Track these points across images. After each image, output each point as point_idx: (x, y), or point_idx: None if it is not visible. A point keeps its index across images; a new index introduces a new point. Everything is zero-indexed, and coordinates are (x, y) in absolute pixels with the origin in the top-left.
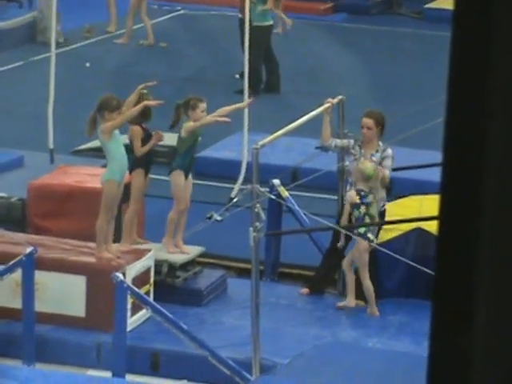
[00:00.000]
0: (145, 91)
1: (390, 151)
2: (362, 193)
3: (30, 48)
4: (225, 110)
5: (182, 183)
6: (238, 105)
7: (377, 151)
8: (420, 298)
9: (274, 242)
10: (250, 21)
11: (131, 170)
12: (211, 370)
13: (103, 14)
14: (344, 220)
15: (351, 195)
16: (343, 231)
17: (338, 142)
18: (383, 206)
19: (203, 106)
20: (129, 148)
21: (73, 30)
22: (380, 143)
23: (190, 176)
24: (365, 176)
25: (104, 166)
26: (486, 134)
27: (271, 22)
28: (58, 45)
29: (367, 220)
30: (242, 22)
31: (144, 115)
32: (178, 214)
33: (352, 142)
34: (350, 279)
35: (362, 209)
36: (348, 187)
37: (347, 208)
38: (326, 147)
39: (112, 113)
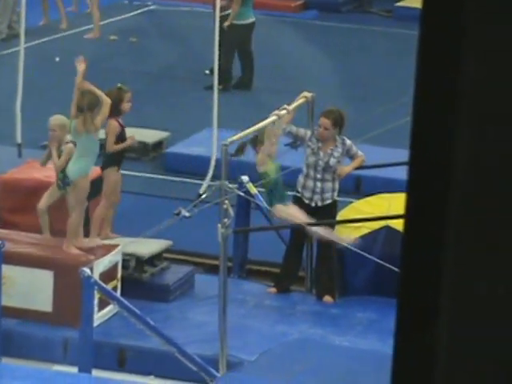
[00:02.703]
0: (119, 85)
1: (348, 141)
2: None
3: None
4: None
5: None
6: None
7: (336, 146)
8: (388, 296)
9: (242, 239)
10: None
11: (104, 166)
12: (178, 366)
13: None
14: None
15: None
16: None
17: (294, 129)
18: (332, 197)
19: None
20: (103, 143)
21: (37, 26)
22: (337, 137)
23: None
24: (263, 175)
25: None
26: (453, 134)
27: (253, 19)
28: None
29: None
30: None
31: (120, 110)
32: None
33: (309, 133)
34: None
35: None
36: (302, 179)
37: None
38: (285, 134)
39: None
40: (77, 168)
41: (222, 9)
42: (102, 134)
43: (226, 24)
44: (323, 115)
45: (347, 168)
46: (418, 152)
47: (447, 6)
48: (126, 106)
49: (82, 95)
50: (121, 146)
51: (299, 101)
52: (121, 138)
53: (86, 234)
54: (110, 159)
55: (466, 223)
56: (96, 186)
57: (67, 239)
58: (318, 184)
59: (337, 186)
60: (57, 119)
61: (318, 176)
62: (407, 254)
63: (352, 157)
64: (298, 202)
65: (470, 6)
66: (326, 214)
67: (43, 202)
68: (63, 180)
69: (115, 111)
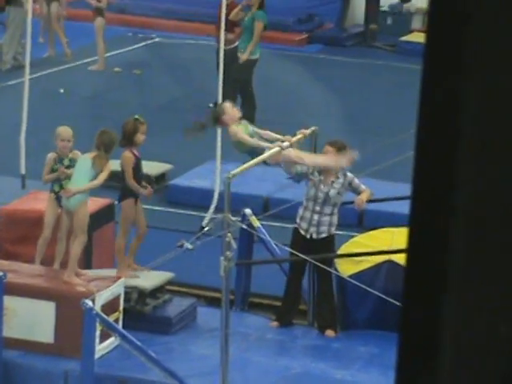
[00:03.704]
0: (136, 116)
1: (349, 174)
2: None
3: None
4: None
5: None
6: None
7: (337, 177)
8: (390, 331)
9: (244, 272)
10: (235, 53)
11: (122, 198)
12: None
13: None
14: None
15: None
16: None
17: (299, 168)
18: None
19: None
20: (120, 176)
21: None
22: (339, 170)
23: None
24: (238, 144)
25: None
26: (455, 170)
27: (257, 56)
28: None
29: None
30: (218, 51)
31: (134, 141)
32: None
33: (311, 168)
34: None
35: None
36: (301, 211)
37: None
38: (289, 174)
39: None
40: (77, 195)
41: (228, 42)
42: (116, 165)
43: (244, 57)
44: (328, 143)
45: (364, 196)
46: (420, 186)
47: (450, 42)
48: (140, 137)
49: (100, 134)
50: (137, 188)
51: (297, 136)
52: (137, 169)
53: (88, 265)
54: (127, 191)
55: (469, 258)
56: (101, 216)
57: (69, 268)
58: (315, 216)
59: (335, 221)
60: (69, 129)
61: (317, 208)
62: (409, 288)
63: (355, 189)
64: (295, 233)
65: (472, 43)
66: (321, 247)
67: (46, 228)
68: (52, 187)
69: (129, 142)
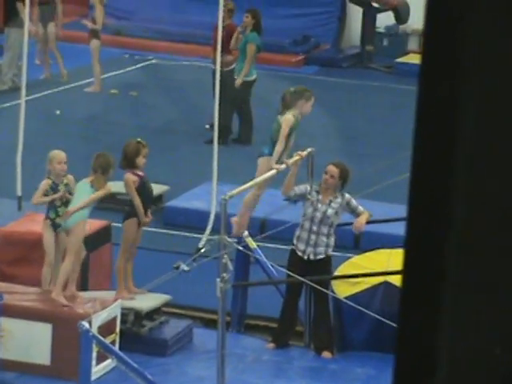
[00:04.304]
0: (139, 139)
1: (347, 195)
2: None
3: None
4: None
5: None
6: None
7: (336, 197)
8: (386, 352)
9: (240, 293)
10: (232, 75)
11: (125, 218)
12: None
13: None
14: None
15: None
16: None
17: (297, 189)
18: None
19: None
20: (120, 198)
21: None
22: (337, 191)
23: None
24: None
25: None
26: (450, 192)
27: (254, 76)
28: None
29: None
30: (214, 72)
31: (135, 163)
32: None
33: (308, 188)
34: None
35: None
36: (298, 231)
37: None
38: (288, 197)
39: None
40: (75, 215)
41: (226, 64)
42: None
43: (238, 82)
44: (332, 163)
45: (363, 219)
46: (416, 208)
47: (445, 62)
48: (141, 160)
49: (97, 157)
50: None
51: (295, 158)
52: (143, 189)
53: (85, 287)
54: (131, 211)
55: (464, 279)
56: (98, 238)
57: (57, 286)
58: (313, 237)
59: (332, 242)
60: (62, 152)
61: (314, 228)
62: (404, 310)
63: (353, 210)
64: (292, 254)
65: (468, 60)
66: (318, 268)
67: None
68: (48, 213)
69: (130, 164)
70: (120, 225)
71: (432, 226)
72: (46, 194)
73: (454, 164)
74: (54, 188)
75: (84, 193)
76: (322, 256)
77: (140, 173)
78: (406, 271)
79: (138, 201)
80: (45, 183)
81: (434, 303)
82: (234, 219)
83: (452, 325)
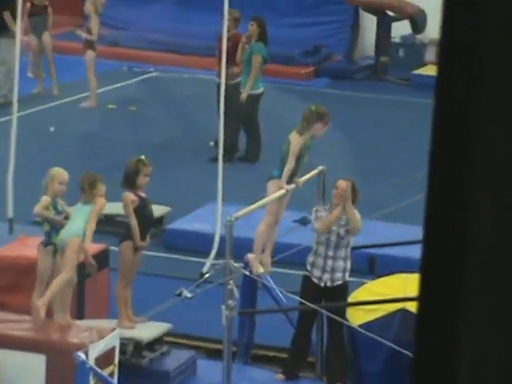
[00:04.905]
0: (142, 157)
1: None
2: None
3: None
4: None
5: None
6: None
7: (342, 214)
8: None
9: (247, 322)
10: (238, 88)
11: (121, 240)
12: None
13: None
14: None
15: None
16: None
17: (318, 214)
18: (343, 278)
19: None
20: (117, 219)
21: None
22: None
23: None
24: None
25: None
26: (470, 213)
27: (261, 89)
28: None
29: None
30: (219, 86)
31: (136, 183)
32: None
33: (314, 209)
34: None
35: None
36: (312, 257)
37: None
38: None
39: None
40: (71, 228)
41: (232, 77)
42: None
43: (244, 96)
44: (342, 178)
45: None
46: (433, 229)
47: (463, 74)
48: (142, 180)
49: (83, 177)
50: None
51: (311, 173)
52: (142, 211)
53: (81, 315)
54: (127, 234)
55: (483, 305)
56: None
57: (44, 298)
58: (329, 262)
59: (348, 265)
60: (66, 172)
61: (330, 253)
62: (420, 338)
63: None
64: (306, 280)
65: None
66: (335, 296)
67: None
68: (50, 238)
69: (131, 183)
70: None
71: (449, 249)
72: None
73: (474, 182)
74: (54, 206)
75: (79, 213)
76: (339, 282)
77: (141, 193)
78: (422, 297)
79: (134, 222)
80: (46, 199)
81: (452, 331)
82: (251, 258)
83: (471, 355)
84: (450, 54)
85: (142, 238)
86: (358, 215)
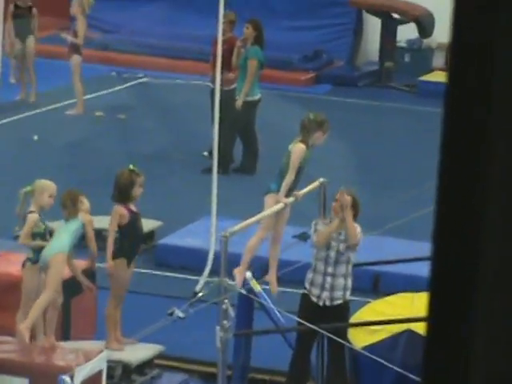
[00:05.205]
0: (131, 167)
1: None
2: None
3: None
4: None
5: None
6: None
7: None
8: None
9: (243, 343)
10: (233, 95)
11: (113, 257)
12: None
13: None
14: None
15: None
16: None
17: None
18: (344, 296)
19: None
20: (120, 231)
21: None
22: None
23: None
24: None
25: None
26: (481, 227)
27: (258, 96)
28: None
29: None
30: (213, 92)
31: (130, 195)
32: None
33: (313, 223)
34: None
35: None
36: (310, 274)
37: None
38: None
39: None
40: (54, 245)
41: (227, 82)
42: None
43: (239, 103)
44: (342, 189)
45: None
46: (442, 245)
47: (474, 81)
48: (137, 191)
49: (64, 194)
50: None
51: (311, 186)
52: (132, 227)
53: (67, 336)
54: (120, 249)
55: (498, 326)
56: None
57: (28, 320)
58: (328, 279)
59: (349, 284)
60: (54, 184)
61: (329, 270)
62: (429, 361)
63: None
64: (305, 299)
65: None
66: (335, 316)
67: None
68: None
69: (124, 196)
70: (106, 265)
71: (461, 266)
72: (33, 232)
73: (486, 196)
74: (42, 221)
75: (64, 230)
76: (339, 301)
77: (133, 208)
78: (431, 317)
79: (112, 236)
80: (33, 217)
81: (464, 354)
82: (237, 270)
83: (484, 380)
84: (462, 58)
85: (133, 256)
86: (358, 228)
